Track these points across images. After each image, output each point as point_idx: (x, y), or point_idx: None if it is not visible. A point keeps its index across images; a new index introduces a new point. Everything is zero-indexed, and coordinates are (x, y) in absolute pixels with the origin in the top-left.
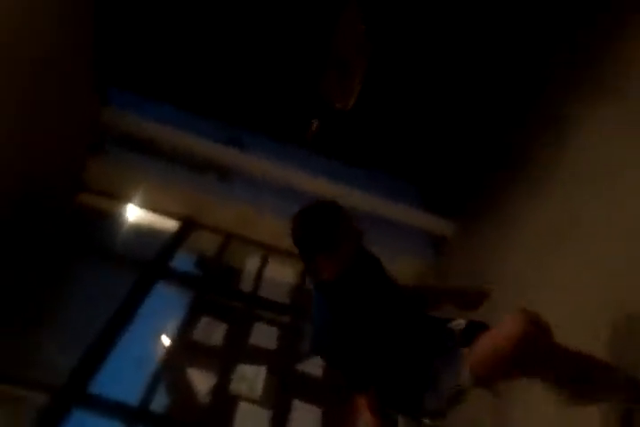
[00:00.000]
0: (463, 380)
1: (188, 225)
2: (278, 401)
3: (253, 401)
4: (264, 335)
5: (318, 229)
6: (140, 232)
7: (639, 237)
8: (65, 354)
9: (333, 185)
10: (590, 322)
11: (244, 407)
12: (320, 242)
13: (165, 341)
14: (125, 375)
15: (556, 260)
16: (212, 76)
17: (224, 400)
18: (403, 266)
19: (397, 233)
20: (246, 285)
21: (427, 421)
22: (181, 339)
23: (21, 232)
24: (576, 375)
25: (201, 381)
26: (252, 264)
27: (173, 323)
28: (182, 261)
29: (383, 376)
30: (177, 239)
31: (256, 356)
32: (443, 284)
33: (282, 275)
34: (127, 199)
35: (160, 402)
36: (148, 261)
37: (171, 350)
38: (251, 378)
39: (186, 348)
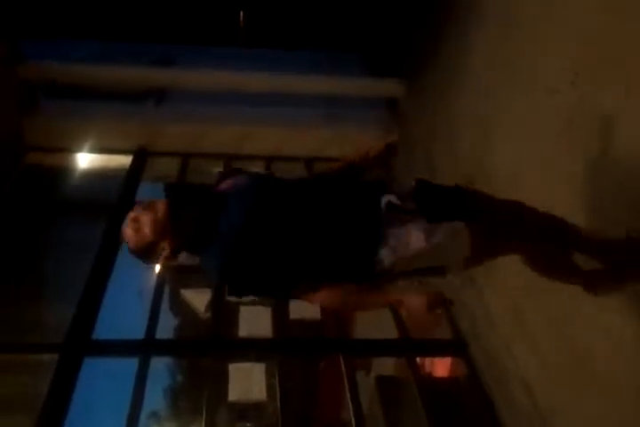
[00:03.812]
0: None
1: (142, 156)
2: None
3: (252, 303)
4: None
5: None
6: (100, 176)
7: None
8: (63, 309)
9: (278, 75)
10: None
11: (245, 311)
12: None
13: (153, 271)
14: (123, 314)
15: (507, 87)
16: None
17: (224, 310)
18: (366, 136)
19: (353, 107)
20: None
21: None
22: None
23: None
24: None
25: (197, 299)
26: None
27: None
28: (149, 192)
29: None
30: (135, 172)
31: None
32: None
33: None
34: (76, 148)
35: (165, 330)
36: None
37: (160, 279)
38: None
39: (175, 272)
